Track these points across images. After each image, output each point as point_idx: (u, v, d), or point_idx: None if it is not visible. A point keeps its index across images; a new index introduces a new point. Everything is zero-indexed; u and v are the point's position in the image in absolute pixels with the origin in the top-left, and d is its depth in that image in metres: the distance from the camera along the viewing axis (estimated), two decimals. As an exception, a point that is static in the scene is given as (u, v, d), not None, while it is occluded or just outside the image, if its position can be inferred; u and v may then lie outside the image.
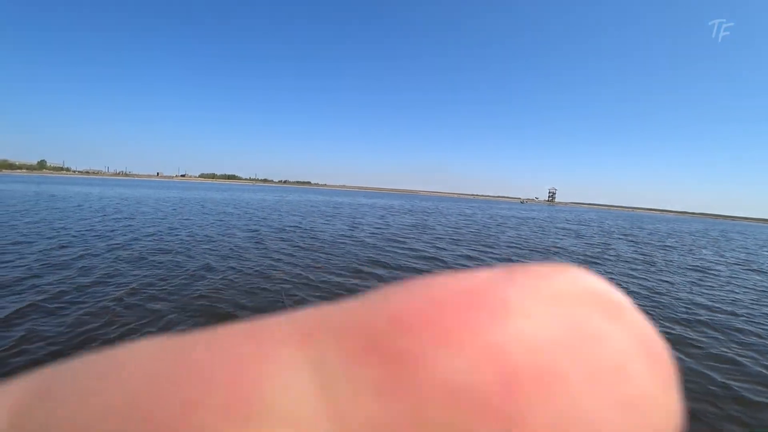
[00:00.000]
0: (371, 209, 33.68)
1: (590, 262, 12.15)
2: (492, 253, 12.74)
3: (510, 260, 11.11)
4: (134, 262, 8.02)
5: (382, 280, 8.01)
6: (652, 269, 11.52)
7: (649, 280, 9.70)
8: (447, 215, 32.24)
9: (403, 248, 11.89)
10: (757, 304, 7.94)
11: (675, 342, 5.30)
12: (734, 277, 11.13)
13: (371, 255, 10.33)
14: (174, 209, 21.45)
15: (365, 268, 8.74)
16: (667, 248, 18.28)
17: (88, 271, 6.95)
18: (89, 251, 8.69)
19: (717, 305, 7.58)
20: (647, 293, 8.34)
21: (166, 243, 10.24)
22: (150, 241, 10.47)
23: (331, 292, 6.81)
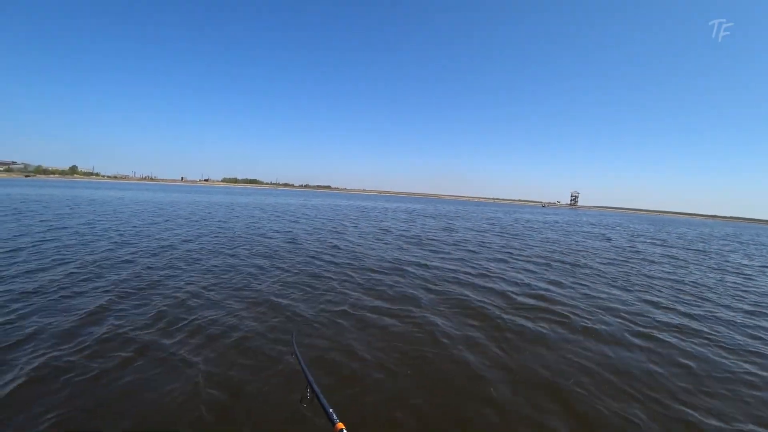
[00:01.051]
0: (402, 214, 34.42)
1: (620, 263, 12.75)
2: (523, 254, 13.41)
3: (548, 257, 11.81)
4: (198, 260, 9.13)
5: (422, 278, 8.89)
6: (682, 268, 12.08)
7: (677, 275, 10.32)
8: (475, 220, 32.75)
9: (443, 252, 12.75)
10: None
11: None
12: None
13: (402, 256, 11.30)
14: (233, 214, 22.74)
15: (407, 267, 9.70)
16: (700, 252, 18.59)
17: (152, 270, 8.05)
18: (146, 250, 9.87)
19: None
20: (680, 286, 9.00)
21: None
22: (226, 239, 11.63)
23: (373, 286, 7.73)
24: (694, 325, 6.45)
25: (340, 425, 1.94)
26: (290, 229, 16.38)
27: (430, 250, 12.80)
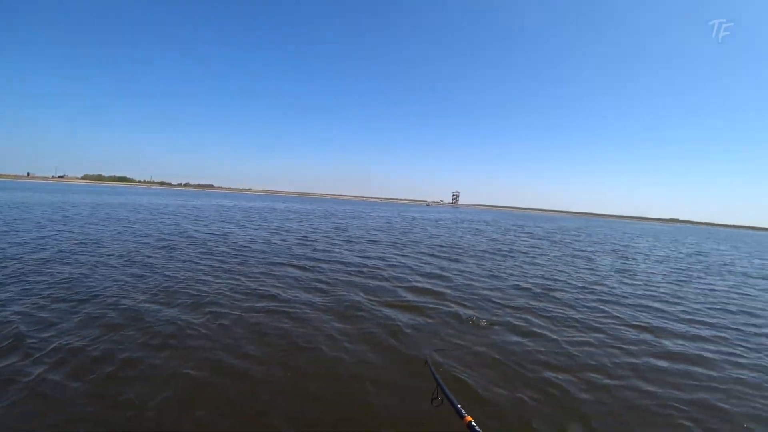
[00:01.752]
0: (289, 214, 33.88)
1: (496, 253, 14.45)
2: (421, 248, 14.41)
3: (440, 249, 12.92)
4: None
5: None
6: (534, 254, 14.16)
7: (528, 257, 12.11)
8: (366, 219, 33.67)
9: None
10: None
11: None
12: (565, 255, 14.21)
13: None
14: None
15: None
16: (555, 243, 21.80)
17: None
18: None
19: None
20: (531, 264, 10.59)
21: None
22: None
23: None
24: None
25: (469, 418, 2.09)
26: (167, 236, 15.21)
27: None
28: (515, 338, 5.57)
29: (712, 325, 7.00)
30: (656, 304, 8.23)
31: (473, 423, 2.06)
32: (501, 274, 10.32)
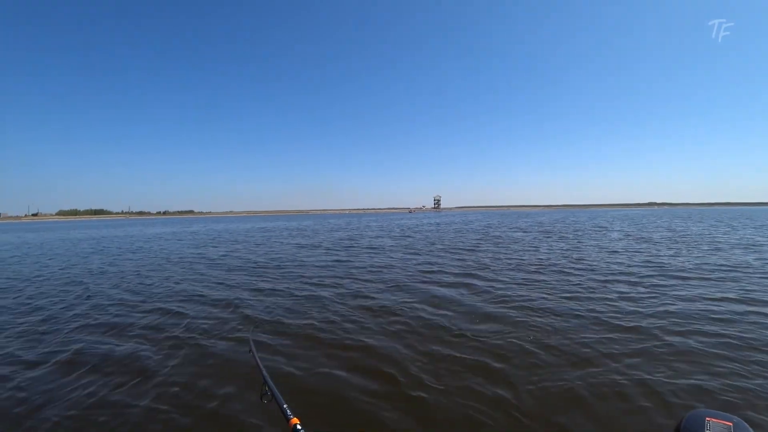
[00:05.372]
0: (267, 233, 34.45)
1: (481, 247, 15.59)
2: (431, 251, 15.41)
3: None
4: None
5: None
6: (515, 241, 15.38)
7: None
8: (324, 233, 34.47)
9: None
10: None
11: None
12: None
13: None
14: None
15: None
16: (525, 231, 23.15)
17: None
18: None
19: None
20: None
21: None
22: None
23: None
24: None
25: (295, 420, 1.98)
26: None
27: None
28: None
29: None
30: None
31: (299, 426, 1.92)
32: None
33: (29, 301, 8.29)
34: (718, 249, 14.42)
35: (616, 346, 4.89)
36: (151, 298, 8.23)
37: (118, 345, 5.40)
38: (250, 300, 7.90)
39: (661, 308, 6.54)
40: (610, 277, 9.25)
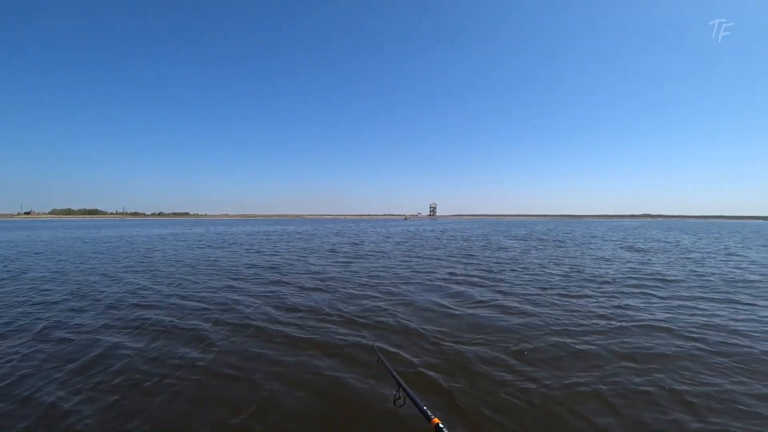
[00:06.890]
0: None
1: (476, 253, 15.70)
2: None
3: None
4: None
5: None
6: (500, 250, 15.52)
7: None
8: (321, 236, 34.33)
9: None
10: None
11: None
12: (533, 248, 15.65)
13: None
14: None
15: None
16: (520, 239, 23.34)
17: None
18: None
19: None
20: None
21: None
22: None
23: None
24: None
25: (436, 420, 2.02)
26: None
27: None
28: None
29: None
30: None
31: (441, 425, 1.99)
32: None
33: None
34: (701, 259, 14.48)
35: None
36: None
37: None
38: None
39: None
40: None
